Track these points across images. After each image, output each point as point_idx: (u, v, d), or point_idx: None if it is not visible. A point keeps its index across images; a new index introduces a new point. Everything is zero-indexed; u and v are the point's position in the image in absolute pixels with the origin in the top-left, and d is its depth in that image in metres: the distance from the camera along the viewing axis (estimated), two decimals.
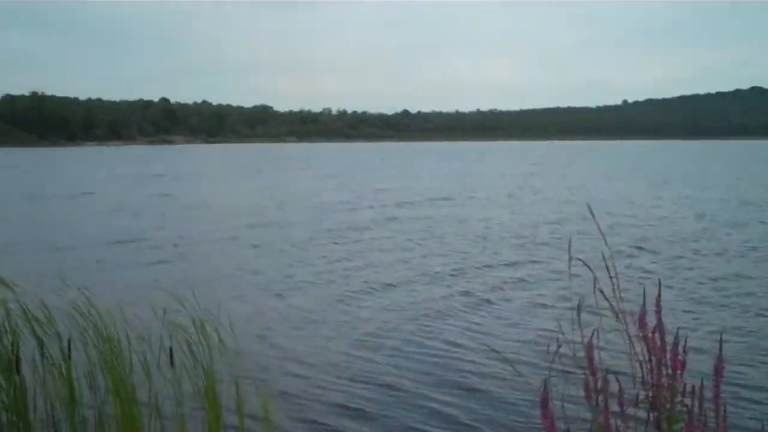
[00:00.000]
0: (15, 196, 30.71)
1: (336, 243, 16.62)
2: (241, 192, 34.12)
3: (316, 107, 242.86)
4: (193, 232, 18.66)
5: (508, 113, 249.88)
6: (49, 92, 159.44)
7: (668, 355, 2.54)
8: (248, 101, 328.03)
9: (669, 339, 2.56)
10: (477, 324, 9.14)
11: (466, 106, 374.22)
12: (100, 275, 12.41)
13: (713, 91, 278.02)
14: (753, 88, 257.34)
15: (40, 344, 4.25)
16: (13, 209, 25.50)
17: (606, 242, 3.02)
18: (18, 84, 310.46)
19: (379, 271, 13.04)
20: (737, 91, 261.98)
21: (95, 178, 43.22)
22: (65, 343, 4.26)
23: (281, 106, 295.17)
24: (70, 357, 4.24)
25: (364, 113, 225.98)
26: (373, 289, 11.43)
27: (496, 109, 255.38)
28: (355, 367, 7.40)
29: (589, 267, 2.75)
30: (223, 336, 4.41)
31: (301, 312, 9.91)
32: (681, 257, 14.19)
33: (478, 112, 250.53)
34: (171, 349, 4.18)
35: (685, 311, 9.54)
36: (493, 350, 7.55)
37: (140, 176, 45.16)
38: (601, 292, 2.77)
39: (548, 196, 29.38)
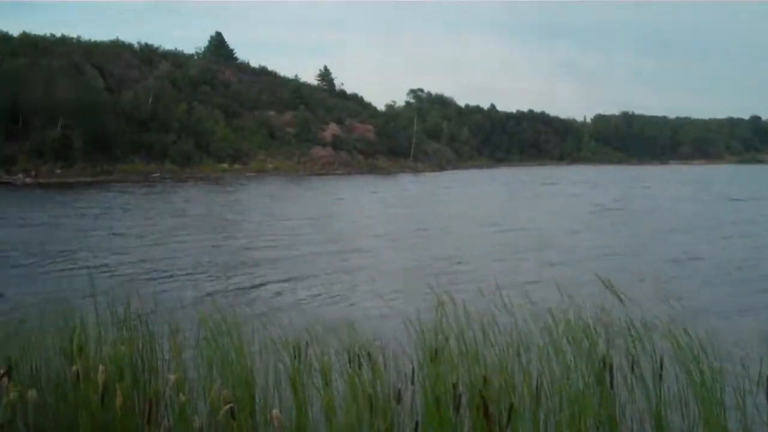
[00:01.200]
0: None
1: None
2: None
3: None
4: None
5: None
6: (637, 111, 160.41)
7: None
8: None
9: None
10: None
11: None
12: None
13: None
14: None
15: (632, 360, 4.16)
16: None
17: None
18: (609, 103, 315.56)
19: None
20: None
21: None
22: (657, 362, 4.10)
23: None
24: (661, 377, 4.08)
25: None
26: None
27: None
28: None
29: None
30: None
31: None
32: None
33: None
34: None
35: None
36: None
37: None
38: None
39: None
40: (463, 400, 3.97)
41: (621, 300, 4.25)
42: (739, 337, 6.10)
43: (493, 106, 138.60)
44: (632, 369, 4.14)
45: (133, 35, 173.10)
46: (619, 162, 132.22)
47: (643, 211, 31.91)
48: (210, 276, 15.41)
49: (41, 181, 50.73)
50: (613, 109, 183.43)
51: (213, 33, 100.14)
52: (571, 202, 39.16)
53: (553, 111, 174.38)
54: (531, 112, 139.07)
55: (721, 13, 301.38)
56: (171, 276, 15.29)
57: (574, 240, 21.16)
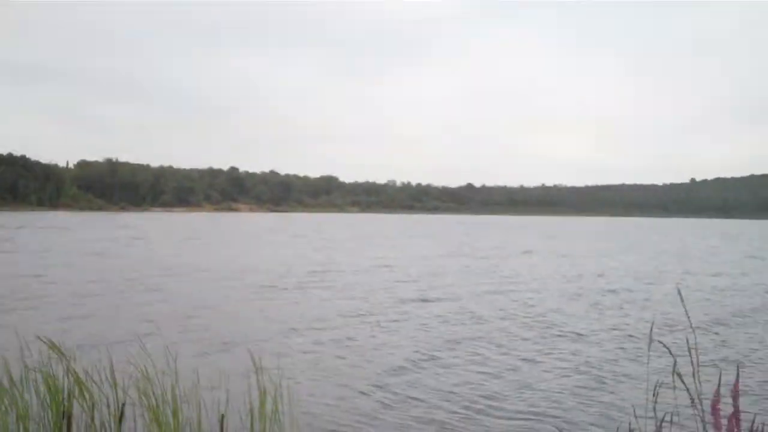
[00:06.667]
0: None
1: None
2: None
3: (381, 179, 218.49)
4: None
5: (574, 189, 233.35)
6: (123, 158, 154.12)
7: None
8: (314, 171, 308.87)
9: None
10: (546, 397, 8.77)
11: (531, 180, 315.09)
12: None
13: None
14: None
15: (92, 408, 4.12)
16: None
17: (691, 325, 3.81)
18: (95, 150, 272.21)
19: None
20: None
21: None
22: (118, 409, 4.07)
23: (347, 176, 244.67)
24: (121, 421, 4.11)
25: (428, 185, 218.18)
26: None
27: (561, 185, 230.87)
28: None
29: (669, 350, 3.01)
30: (282, 407, 4.30)
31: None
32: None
33: (543, 188, 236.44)
34: (222, 417, 4.10)
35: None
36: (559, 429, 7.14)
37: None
38: (679, 376, 2.82)
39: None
40: None
41: None
42: None
43: None
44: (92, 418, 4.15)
45: None
46: (101, 209, 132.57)
47: None
48: None
49: None
50: (98, 155, 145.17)
51: None
52: None
53: (35, 155, 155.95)
54: (10, 155, 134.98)
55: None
56: None
57: None
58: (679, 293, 3.70)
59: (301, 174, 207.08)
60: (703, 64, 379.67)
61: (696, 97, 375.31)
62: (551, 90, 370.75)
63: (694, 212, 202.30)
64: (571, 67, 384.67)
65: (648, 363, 4.64)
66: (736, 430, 2.56)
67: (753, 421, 2.58)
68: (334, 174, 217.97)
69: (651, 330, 3.67)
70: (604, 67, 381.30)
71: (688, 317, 3.53)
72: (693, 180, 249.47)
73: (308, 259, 31.94)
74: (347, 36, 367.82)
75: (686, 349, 3.15)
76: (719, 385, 2.63)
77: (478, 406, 8.59)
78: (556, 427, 7.37)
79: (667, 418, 2.96)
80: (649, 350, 3.86)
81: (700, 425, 2.86)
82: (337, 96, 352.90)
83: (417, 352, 11.88)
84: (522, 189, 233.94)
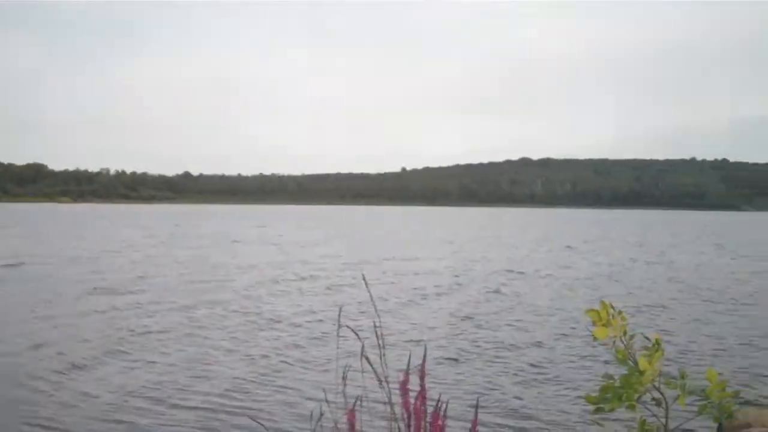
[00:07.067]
0: None
1: None
2: None
3: (95, 167, 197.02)
4: None
5: (292, 178, 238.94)
6: None
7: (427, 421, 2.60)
8: (21, 158, 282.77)
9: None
10: (238, 387, 8.70)
11: (249, 169, 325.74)
12: None
13: (486, 161, 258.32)
14: (522, 159, 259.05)
15: None
16: None
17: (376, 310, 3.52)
18: None
19: None
20: (507, 162, 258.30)
21: None
22: None
23: (57, 164, 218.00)
24: None
25: (144, 174, 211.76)
26: None
27: (278, 174, 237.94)
28: None
29: (357, 334, 3.04)
30: None
31: None
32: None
33: (261, 176, 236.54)
34: None
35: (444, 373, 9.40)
36: (253, 419, 7.10)
37: None
38: (367, 359, 2.93)
39: None
40: None
41: None
42: None
43: None
44: None
45: None
46: None
47: None
48: None
49: None
50: None
51: None
52: None
53: None
54: None
55: None
56: None
57: None
58: (364, 278, 3.92)
59: (6, 161, 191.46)
60: (418, 62, 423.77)
61: (411, 91, 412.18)
62: (268, 82, 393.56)
63: (404, 200, 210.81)
64: (303, 62, 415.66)
65: (338, 347, 4.59)
66: (423, 407, 2.65)
67: (438, 399, 2.68)
68: (43, 161, 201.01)
69: (339, 314, 3.58)
70: (333, 63, 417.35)
71: (373, 301, 3.67)
72: (404, 169, 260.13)
73: None
74: (71, 18, 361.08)
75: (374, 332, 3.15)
76: (408, 365, 2.70)
77: (171, 401, 8.15)
78: (251, 418, 7.09)
79: (358, 401, 2.96)
80: (338, 335, 3.75)
81: (388, 406, 2.91)
82: (50, 81, 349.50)
83: (104, 346, 10.99)
84: (240, 178, 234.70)
